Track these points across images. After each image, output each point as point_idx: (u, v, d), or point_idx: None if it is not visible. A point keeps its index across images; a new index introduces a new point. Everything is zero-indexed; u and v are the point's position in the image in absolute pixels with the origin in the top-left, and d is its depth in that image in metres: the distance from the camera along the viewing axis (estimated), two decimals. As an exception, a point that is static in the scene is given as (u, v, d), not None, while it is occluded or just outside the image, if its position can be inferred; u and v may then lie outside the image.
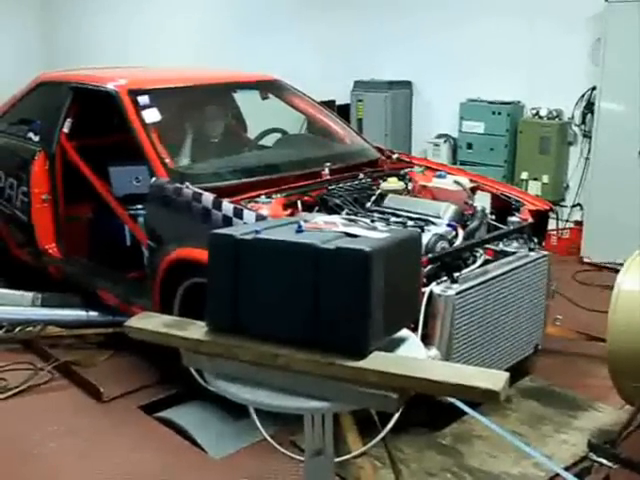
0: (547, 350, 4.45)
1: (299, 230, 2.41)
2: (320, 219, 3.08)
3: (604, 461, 3.29)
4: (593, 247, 6.52)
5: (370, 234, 2.43)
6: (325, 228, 2.52)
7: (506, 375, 2.12)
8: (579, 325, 4.86)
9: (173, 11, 10.27)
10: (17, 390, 4.21)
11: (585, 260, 6.54)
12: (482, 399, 2.14)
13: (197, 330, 2.44)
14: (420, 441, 3.70)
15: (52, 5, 12.29)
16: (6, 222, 5.54)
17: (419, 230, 3.61)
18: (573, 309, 5.20)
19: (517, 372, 4.14)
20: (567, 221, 6.97)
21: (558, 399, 4.12)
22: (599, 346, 4.62)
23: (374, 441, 3.28)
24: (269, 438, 3.43)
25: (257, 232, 2.38)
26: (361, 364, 2.18)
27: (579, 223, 6.85)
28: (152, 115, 4.65)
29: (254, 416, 3.18)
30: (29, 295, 5.00)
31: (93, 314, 4.85)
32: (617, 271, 3.51)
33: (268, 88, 5.53)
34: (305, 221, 2.60)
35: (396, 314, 2.43)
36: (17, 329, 4.76)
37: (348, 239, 2.33)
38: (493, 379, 2.11)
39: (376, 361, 2.21)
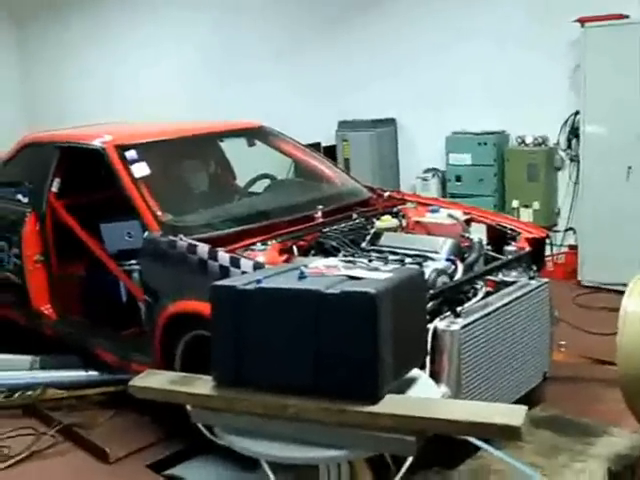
0: (555, 377, 4.39)
1: (301, 276, 2.39)
2: (320, 263, 3.06)
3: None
4: (589, 270, 6.51)
5: (373, 275, 2.41)
6: (327, 272, 2.50)
7: (524, 409, 2.09)
8: (584, 349, 4.82)
9: (154, 61, 10.32)
10: (20, 457, 4.11)
11: (583, 283, 6.52)
12: (502, 436, 2.10)
13: (204, 385, 2.40)
14: (436, 479, 3.63)
15: (30, 50, 12.37)
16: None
17: (421, 267, 3.58)
18: (576, 333, 5.15)
19: (527, 402, 4.06)
20: (561, 246, 6.96)
21: (571, 427, 4.06)
22: (606, 369, 4.60)
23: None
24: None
25: (259, 281, 2.35)
26: (375, 409, 2.15)
27: (573, 247, 6.85)
28: (140, 169, 4.63)
29: (266, 468, 3.11)
30: (27, 359, 4.92)
31: (93, 374, 4.77)
32: (616, 292, 3.49)
33: (254, 135, 5.53)
34: (305, 266, 2.58)
35: (405, 354, 2.40)
36: (17, 394, 4.67)
37: (352, 282, 2.31)
38: (512, 414, 2.09)
39: (390, 404, 2.17)
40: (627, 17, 6.23)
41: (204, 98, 9.48)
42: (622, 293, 3.47)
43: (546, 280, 4.24)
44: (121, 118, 6.98)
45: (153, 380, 2.50)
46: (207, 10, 9.56)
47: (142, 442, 4.20)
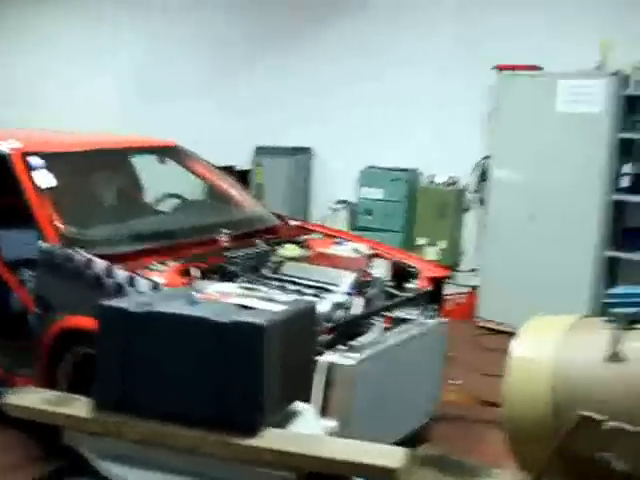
0: (444, 417, 4.45)
1: (193, 302, 2.35)
2: (216, 289, 3.02)
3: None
4: (488, 311, 6.64)
5: (266, 306, 2.38)
6: (220, 299, 2.46)
7: (404, 451, 2.09)
8: (476, 390, 4.89)
9: (79, 77, 10.03)
10: None
11: (480, 324, 6.64)
12: (381, 476, 2.09)
13: (82, 407, 2.33)
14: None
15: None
16: None
17: (315, 301, 3.56)
18: (470, 374, 5.23)
19: (415, 439, 4.11)
20: (464, 286, 7.08)
21: (455, 466, 4.07)
22: (495, 411, 4.66)
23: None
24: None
25: (149, 304, 2.30)
26: (255, 442, 2.12)
27: (475, 288, 6.97)
28: (45, 179, 4.49)
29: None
30: None
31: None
32: (512, 335, 3.54)
33: (166, 153, 5.46)
34: (199, 292, 2.54)
35: (291, 387, 2.39)
36: None
37: (243, 311, 2.29)
38: (391, 456, 2.08)
39: (271, 439, 2.15)
40: (541, 69, 6.46)
41: (134, 114, 9.26)
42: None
43: (443, 319, 4.30)
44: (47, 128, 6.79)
45: (29, 398, 2.41)
46: (141, 26, 9.41)
47: (16, 460, 4.04)
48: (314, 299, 3.57)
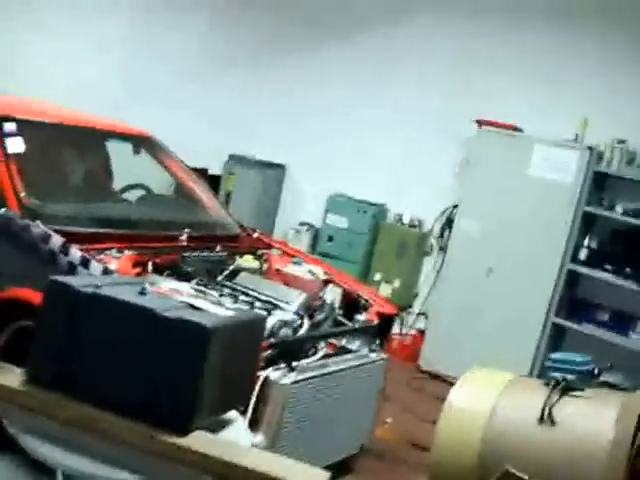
0: (372, 452, 4.47)
1: (142, 292, 2.33)
2: (167, 285, 3.01)
3: None
4: (432, 356, 6.67)
5: (215, 309, 2.37)
6: (170, 295, 2.45)
7: (327, 475, 2.09)
8: (407, 431, 4.93)
9: (63, 56, 9.92)
10: None
11: (422, 368, 6.67)
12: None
13: (14, 378, 2.29)
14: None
15: None
16: None
17: (265, 314, 3.56)
18: (403, 415, 5.27)
19: (339, 469, 4.11)
20: (411, 327, 7.13)
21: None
22: (422, 454, 4.69)
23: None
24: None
25: (98, 287, 2.28)
26: (182, 441, 2.10)
27: (422, 332, 7.01)
28: (15, 145, 4.44)
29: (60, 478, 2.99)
30: None
31: None
32: (451, 383, 3.58)
33: (142, 144, 5.43)
34: (151, 284, 2.52)
35: (228, 395, 2.38)
36: None
37: (191, 311, 2.27)
38: (315, 477, 2.08)
39: (198, 440, 2.13)
40: (521, 130, 6.57)
41: (114, 104, 9.20)
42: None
43: (385, 356, 4.33)
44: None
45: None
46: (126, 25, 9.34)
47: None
48: (262, 313, 3.57)
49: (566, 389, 3.19)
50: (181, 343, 2.13)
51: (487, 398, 3.34)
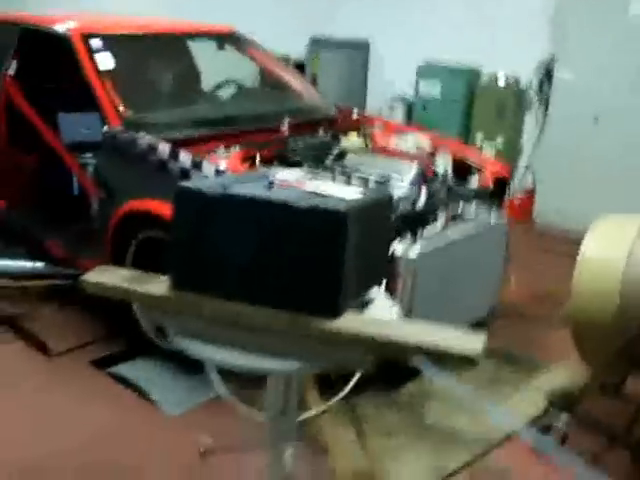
0: (503, 314, 4.46)
1: (270, 186, 2.31)
2: (287, 175, 2.99)
3: (564, 418, 3.31)
4: (545, 212, 6.56)
5: (342, 193, 2.34)
6: (296, 185, 2.43)
7: (483, 337, 2.07)
8: (534, 289, 4.90)
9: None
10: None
11: (537, 225, 6.56)
12: (460, 362, 2.09)
13: (159, 286, 2.34)
14: (379, 400, 3.68)
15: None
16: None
17: (391, 192, 3.52)
18: (527, 273, 5.20)
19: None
20: (519, 185, 6.97)
21: (515, 361, 4.14)
22: (553, 309, 4.67)
23: (335, 399, 3.24)
24: (230, 396, 3.34)
25: (225, 187, 2.27)
26: (337, 325, 2.12)
27: (531, 190, 6.86)
28: (105, 61, 4.44)
29: (214, 374, 3.09)
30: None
31: (38, 265, 4.65)
32: (570, 235, 3.50)
33: (226, 39, 5.35)
34: (274, 176, 2.50)
35: (367, 274, 2.38)
36: (-42, 280, 4.57)
37: (323, 198, 2.24)
38: (471, 343, 2.07)
39: (352, 322, 2.15)
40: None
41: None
42: (575, 237, 3.50)
43: (504, 218, 4.25)
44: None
45: (107, 276, 2.41)
46: None
47: (85, 338, 4.16)
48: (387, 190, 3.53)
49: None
50: (319, 230, 2.11)
51: (621, 244, 3.27)
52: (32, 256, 4.72)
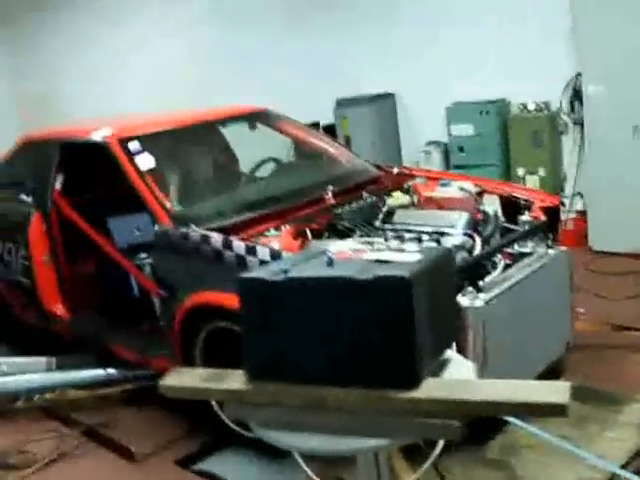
0: (576, 346, 4.34)
1: (329, 263, 2.32)
2: (343, 246, 3.00)
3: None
4: (600, 235, 6.42)
5: (402, 257, 2.34)
6: (354, 257, 2.43)
7: (568, 385, 2.04)
8: (602, 316, 4.78)
9: (147, 53, 10.18)
10: (46, 461, 4.07)
11: (594, 249, 6.44)
12: (549, 414, 2.05)
13: (237, 380, 2.34)
14: (467, 458, 3.59)
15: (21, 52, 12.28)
16: (9, 287, 5.42)
17: (449, 247, 3.50)
18: (592, 300, 5.11)
19: (550, 373, 4.04)
20: (569, 212, 6.88)
21: (597, 396, 4.02)
22: (627, 335, 4.56)
23: (424, 466, 3.17)
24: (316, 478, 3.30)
25: (286, 271, 2.29)
26: (416, 394, 2.09)
27: (582, 213, 6.78)
28: (145, 161, 4.54)
29: (300, 461, 3.06)
30: (43, 360, 4.86)
31: (111, 372, 4.71)
32: (628, 256, 3.42)
33: (256, 118, 5.43)
34: (331, 252, 2.51)
35: (439, 336, 2.35)
36: (36, 397, 4.62)
37: (383, 266, 2.24)
38: (557, 392, 2.03)
39: (430, 388, 2.12)
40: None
41: (199, 82, 9.38)
42: (634, 256, 3.41)
43: (564, 248, 4.19)
44: (120, 113, 6.89)
45: (184, 378, 2.43)
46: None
47: (167, 438, 4.16)
48: (446, 246, 3.52)
49: None
50: (386, 300, 2.11)
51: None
52: (102, 362, 4.78)
